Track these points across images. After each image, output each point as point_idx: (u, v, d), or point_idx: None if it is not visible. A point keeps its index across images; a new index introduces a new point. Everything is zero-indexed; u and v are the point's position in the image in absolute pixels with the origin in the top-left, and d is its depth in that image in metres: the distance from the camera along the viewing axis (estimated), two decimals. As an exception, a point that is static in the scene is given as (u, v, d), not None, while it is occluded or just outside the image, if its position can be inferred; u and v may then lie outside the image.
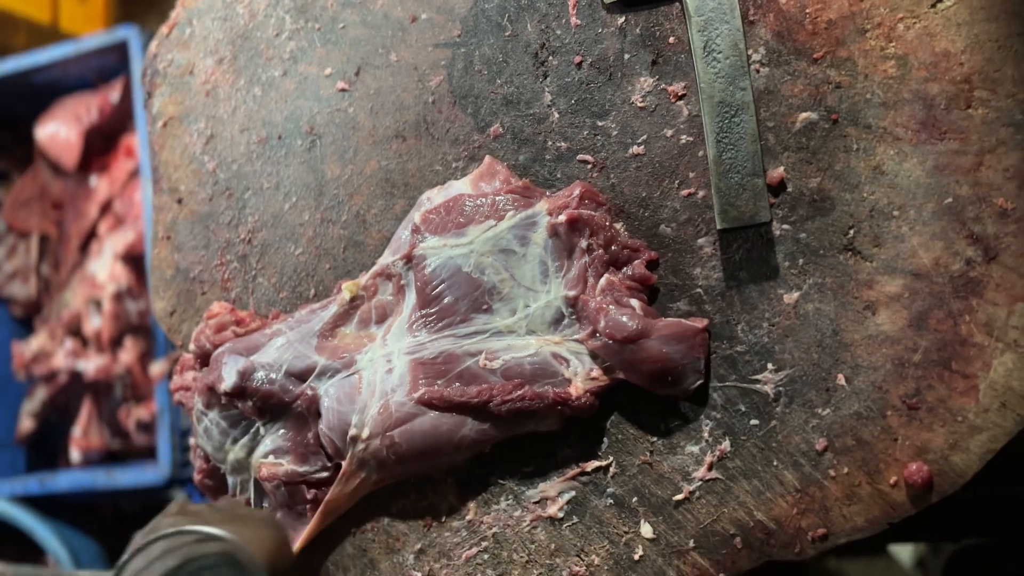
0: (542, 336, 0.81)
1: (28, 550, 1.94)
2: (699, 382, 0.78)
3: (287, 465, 0.88)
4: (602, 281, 0.79)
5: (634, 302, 0.78)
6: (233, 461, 0.91)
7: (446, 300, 0.82)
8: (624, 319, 0.77)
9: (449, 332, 0.82)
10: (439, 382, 0.82)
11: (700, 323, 0.78)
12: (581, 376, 0.80)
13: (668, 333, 0.76)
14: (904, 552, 1.88)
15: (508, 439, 0.83)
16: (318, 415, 0.86)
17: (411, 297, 0.84)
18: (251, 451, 0.90)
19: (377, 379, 0.83)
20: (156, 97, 1.03)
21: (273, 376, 0.86)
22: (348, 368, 0.85)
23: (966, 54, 0.72)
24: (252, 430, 0.90)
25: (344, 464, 0.85)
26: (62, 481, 1.84)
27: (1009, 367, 0.70)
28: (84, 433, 1.97)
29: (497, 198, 0.82)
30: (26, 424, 2.05)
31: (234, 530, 0.79)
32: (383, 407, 0.82)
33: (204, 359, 0.93)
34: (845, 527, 0.75)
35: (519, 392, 0.79)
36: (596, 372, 0.80)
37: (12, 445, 2.07)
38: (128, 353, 1.90)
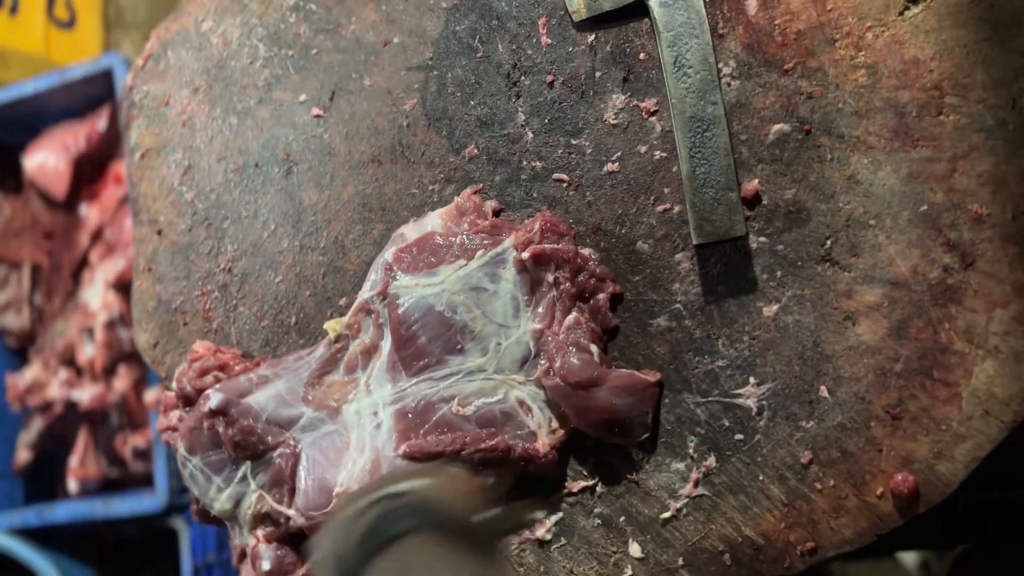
0: (510, 375, 0.81)
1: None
2: (645, 435, 0.78)
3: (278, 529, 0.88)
4: (569, 318, 0.79)
5: (593, 348, 0.78)
6: (221, 511, 0.89)
7: (420, 341, 0.82)
8: (580, 364, 0.77)
9: (427, 375, 0.82)
10: (421, 432, 0.81)
11: (652, 376, 0.78)
12: (544, 429, 0.80)
13: (619, 384, 0.77)
14: (909, 555, 1.86)
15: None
16: (294, 473, 0.86)
17: (388, 336, 0.84)
18: (237, 503, 0.89)
19: (367, 436, 0.83)
20: (133, 129, 1.03)
21: (253, 420, 0.86)
22: (334, 419, 0.85)
23: (935, 61, 0.72)
24: (236, 479, 0.88)
25: None
26: (60, 512, 1.83)
27: (991, 374, 0.70)
28: (81, 463, 1.96)
29: (466, 238, 0.82)
30: (23, 455, 2.04)
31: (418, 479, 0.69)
32: (374, 461, 0.82)
33: (187, 400, 0.92)
34: (834, 540, 0.74)
35: (491, 442, 0.79)
36: (555, 423, 0.80)
37: (10, 476, 2.06)
38: (122, 381, 1.89)
